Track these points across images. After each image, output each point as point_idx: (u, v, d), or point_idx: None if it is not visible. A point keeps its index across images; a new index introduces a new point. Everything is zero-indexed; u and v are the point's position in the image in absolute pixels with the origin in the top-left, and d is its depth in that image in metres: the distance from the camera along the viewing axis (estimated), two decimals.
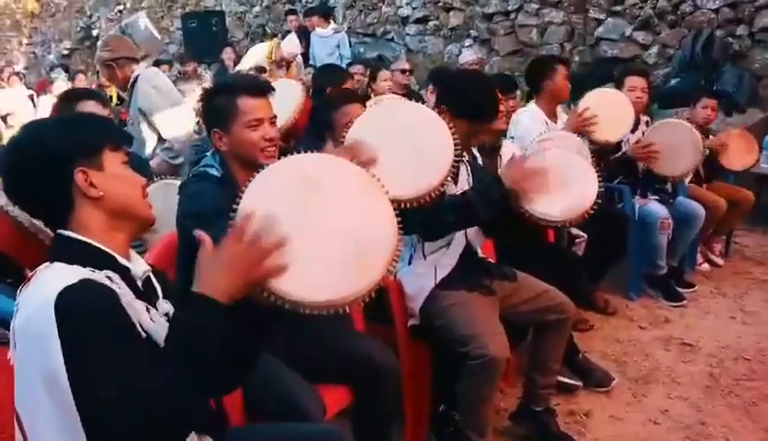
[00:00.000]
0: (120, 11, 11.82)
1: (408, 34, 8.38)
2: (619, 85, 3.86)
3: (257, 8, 10.20)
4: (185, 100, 3.80)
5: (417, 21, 8.26)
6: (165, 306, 1.35)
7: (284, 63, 5.91)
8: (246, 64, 5.78)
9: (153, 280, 1.38)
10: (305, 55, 7.15)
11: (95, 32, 12.30)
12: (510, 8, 7.36)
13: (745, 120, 5.49)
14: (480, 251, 2.52)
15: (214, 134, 1.97)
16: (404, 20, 8.38)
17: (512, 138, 3.39)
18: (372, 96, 4.27)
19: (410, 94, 5.08)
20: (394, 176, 1.58)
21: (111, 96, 6.44)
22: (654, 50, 6.42)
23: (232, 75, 5.34)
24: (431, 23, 8.15)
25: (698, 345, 3.30)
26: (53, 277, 1.18)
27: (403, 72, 5.27)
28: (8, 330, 1.22)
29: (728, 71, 5.82)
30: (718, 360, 3.15)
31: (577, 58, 6.82)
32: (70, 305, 1.12)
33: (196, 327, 1.18)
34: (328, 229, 1.31)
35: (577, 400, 2.82)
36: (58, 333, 1.10)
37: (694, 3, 6.16)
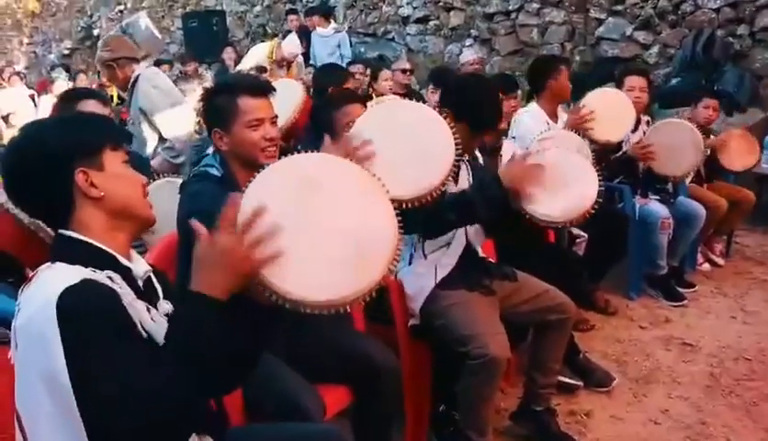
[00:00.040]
0: (121, 11, 11.84)
1: (408, 34, 8.37)
2: (619, 85, 3.86)
3: (258, 8, 10.20)
4: (185, 100, 3.80)
5: (418, 21, 8.26)
6: (166, 306, 1.35)
7: (285, 63, 5.91)
8: (247, 64, 5.77)
9: (154, 280, 1.38)
10: (306, 55, 7.15)
11: (95, 32, 12.31)
12: (511, 8, 7.35)
13: (746, 120, 5.48)
14: (480, 251, 2.52)
15: (215, 134, 1.97)
16: (405, 20, 8.38)
17: (513, 137, 3.39)
18: (374, 96, 4.27)
19: (410, 93, 5.08)
20: (395, 176, 1.58)
21: (112, 96, 6.44)
22: (655, 49, 6.41)
23: (233, 75, 5.34)
24: (431, 23, 8.14)
25: (699, 345, 3.30)
26: (55, 278, 1.18)
27: (404, 71, 5.28)
28: (9, 330, 1.22)
29: (729, 70, 5.80)
30: (719, 360, 3.15)
31: (578, 58, 6.81)
32: (71, 305, 1.12)
33: (192, 324, 1.18)
34: (328, 228, 1.31)
35: (578, 400, 2.82)
36: (59, 333, 1.10)
37: (695, 2, 6.15)
